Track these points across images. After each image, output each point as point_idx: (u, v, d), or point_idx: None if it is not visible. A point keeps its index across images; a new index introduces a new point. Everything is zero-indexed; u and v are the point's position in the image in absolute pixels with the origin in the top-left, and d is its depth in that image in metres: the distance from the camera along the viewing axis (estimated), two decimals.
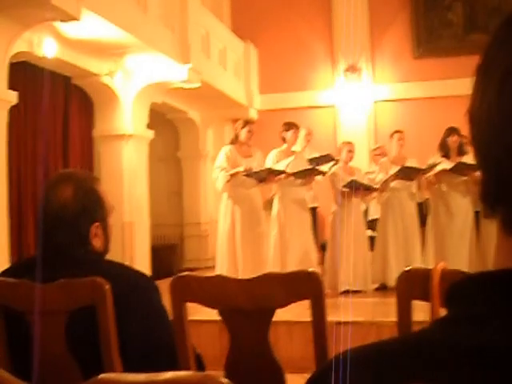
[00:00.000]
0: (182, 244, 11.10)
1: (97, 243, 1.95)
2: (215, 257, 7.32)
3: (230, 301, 1.65)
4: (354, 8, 11.01)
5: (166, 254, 10.35)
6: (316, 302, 1.57)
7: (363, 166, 8.90)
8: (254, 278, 1.64)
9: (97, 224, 1.93)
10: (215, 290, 1.66)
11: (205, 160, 11.25)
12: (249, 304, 1.63)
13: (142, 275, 1.91)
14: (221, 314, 1.72)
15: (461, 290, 0.58)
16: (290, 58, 11.41)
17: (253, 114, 11.28)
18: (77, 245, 1.90)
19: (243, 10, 11.60)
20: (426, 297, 1.50)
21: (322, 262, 7.80)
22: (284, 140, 7.17)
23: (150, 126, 9.03)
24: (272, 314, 1.66)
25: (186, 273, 1.74)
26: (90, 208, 1.93)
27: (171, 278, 1.83)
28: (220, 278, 1.67)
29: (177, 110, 10.64)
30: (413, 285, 1.53)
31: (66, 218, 1.88)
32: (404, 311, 1.52)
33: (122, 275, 1.86)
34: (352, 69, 11.04)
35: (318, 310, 1.57)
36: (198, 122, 11.25)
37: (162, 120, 10.71)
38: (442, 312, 1.54)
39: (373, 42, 11.22)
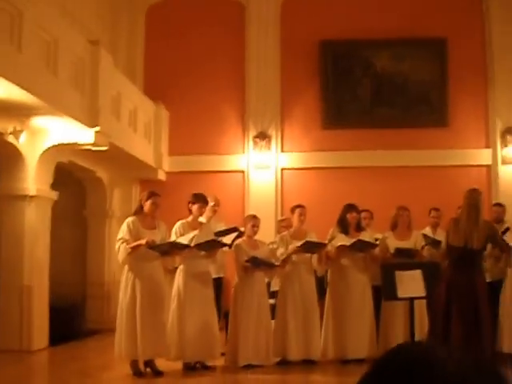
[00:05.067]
0: (85, 304, 10.78)
1: None
2: None
3: None
4: (266, 77, 11.30)
5: (67, 315, 10.01)
6: None
7: (270, 235, 8.95)
8: None
9: None
10: None
11: (110, 219, 11.09)
12: None
13: None
14: None
15: None
16: (201, 122, 11.50)
17: (161, 176, 11.27)
18: None
19: (156, 71, 11.65)
20: None
21: (225, 329, 7.70)
22: (190, 211, 7.16)
23: (56, 184, 8.83)
24: None
25: None
26: None
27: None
28: None
29: (84, 169, 10.48)
30: None
31: None
32: None
33: None
34: (261, 136, 11.24)
35: None
36: (106, 181, 11.12)
37: (69, 178, 10.51)
38: None
39: (283, 111, 11.48)
